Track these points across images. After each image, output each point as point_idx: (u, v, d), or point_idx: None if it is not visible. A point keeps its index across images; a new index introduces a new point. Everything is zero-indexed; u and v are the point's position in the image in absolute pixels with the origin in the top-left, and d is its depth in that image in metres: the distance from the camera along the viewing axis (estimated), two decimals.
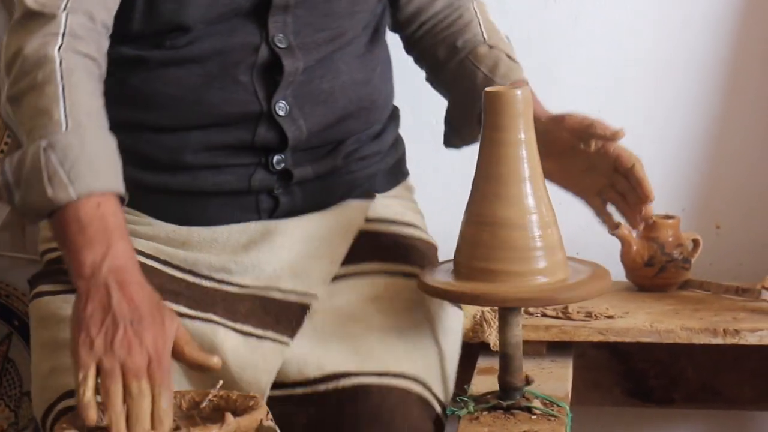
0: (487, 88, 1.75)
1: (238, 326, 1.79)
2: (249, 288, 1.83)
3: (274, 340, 1.78)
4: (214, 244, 1.84)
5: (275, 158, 1.84)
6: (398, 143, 2.03)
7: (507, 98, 1.73)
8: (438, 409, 1.82)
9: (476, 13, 2.02)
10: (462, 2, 2.02)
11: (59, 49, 1.63)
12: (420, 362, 1.81)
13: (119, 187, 1.61)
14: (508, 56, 1.97)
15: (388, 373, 1.76)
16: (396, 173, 2.02)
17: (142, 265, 1.78)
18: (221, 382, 1.54)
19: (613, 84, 2.50)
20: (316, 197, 1.89)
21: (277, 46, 1.81)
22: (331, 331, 1.80)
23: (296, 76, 1.82)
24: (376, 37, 1.95)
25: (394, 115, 2.02)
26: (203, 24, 1.77)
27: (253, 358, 1.76)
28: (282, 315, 1.81)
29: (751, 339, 2.14)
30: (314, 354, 1.78)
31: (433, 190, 2.47)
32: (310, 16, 1.83)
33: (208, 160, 1.81)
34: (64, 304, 1.79)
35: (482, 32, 1.99)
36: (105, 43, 1.71)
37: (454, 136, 2.04)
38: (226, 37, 1.79)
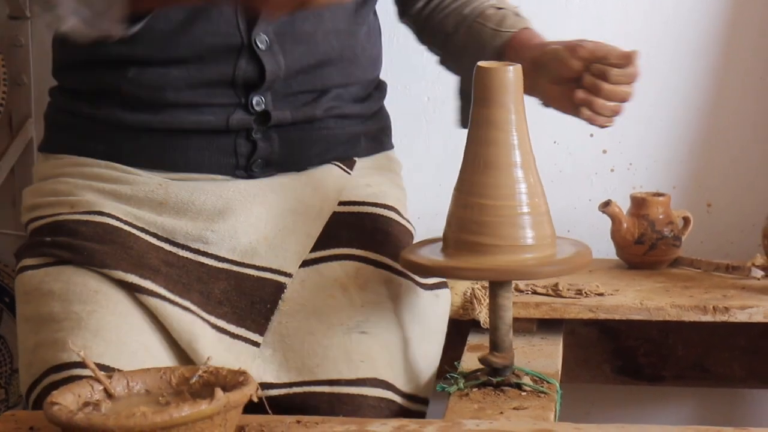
0: (479, 63, 1.74)
1: (212, 320, 1.80)
2: (225, 261, 1.83)
3: (245, 339, 1.80)
4: (191, 206, 1.84)
5: (254, 99, 1.85)
6: (382, 114, 2.03)
7: (498, 73, 1.73)
8: (399, 401, 1.81)
9: None
10: None
11: None
12: (380, 362, 1.80)
13: None
14: (516, 14, 1.97)
15: (340, 380, 1.78)
16: (379, 141, 2.02)
17: (121, 231, 1.79)
18: (210, 357, 1.55)
19: None
20: (294, 148, 1.90)
21: None
22: (294, 328, 1.81)
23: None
24: (365, 1, 1.95)
25: (381, 87, 2.03)
26: None
27: (229, 357, 1.78)
28: (256, 296, 1.82)
29: (741, 316, 2.14)
30: (274, 359, 1.80)
31: (425, 169, 2.47)
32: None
33: (189, 98, 1.83)
34: (46, 278, 1.80)
35: None
36: None
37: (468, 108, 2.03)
38: None
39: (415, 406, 1.84)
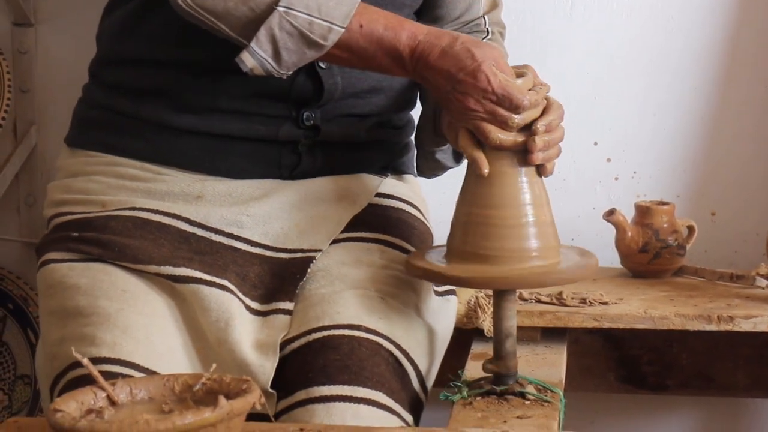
0: None
1: (247, 301, 1.80)
2: (257, 246, 1.84)
3: (277, 311, 1.79)
4: (227, 198, 1.86)
5: (305, 114, 1.86)
6: (411, 145, 2.06)
7: None
8: (411, 373, 1.80)
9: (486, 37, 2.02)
10: (477, 29, 2.03)
11: None
12: (397, 326, 1.80)
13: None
14: None
15: (360, 327, 1.76)
16: (406, 168, 2.05)
17: (152, 223, 1.79)
18: (214, 365, 1.54)
19: (608, 70, 2.50)
20: (334, 164, 1.92)
21: None
22: (315, 289, 1.82)
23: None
24: None
25: (411, 121, 2.06)
26: None
27: (261, 336, 1.77)
28: (288, 272, 1.82)
29: (745, 326, 2.14)
30: (296, 317, 1.79)
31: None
32: None
33: (241, 107, 1.83)
34: (70, 272, 1.79)
35: None
36: None
37: (420, 158, 2.04)
38: None
39: (419, 385, 1.83)
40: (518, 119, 1.71)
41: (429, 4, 2.01)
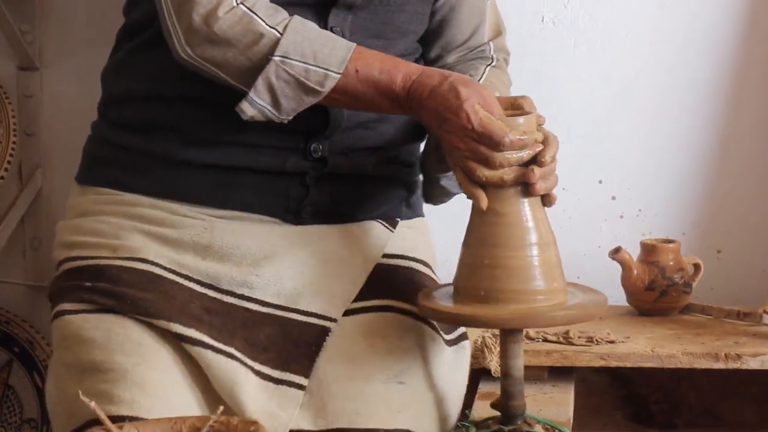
0: None
1: (257, 366, 1.79)
2: (270, 306, 1.84)
3: (290, 383, 1.79)
4: (235, 251, 1.85)
5: (312, 145, 1.86)
6: (418, 183, 2.05)
7: (509, 124, 1.73)
8: None
9: (483, 74, 2.01)
10: (477, 64, 2.03)
11: None
12: (417, 414, 1.80)
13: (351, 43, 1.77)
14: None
15: (378, 430, 1.77)
16: (415, 207, 2.04)
17: (164, 279, 1.79)
18: (222, 407, 1.54)
19: (612, 108, 2.50)
20: (343, 199, 1.91)
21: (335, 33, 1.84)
22: (332, 375, 1.81)
23: None
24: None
25: (418, 160, 2.05)
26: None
27: (270, 406, 1.77)
28: (301, 340, 1.81)
29: (753, 363, 2.13)
30: (312, 405, 1.79)
31: (434, 216, 2.47)
32: (370, 20, 1.88)
33: (247, 139, 1.83)
34: (85, 324, 1.79)
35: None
36: None
37: (426, 184, 2.04)
38: None
39: None
40: (500, 157, 1.71)
41: (435, 32, 2.02)
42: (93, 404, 1.43)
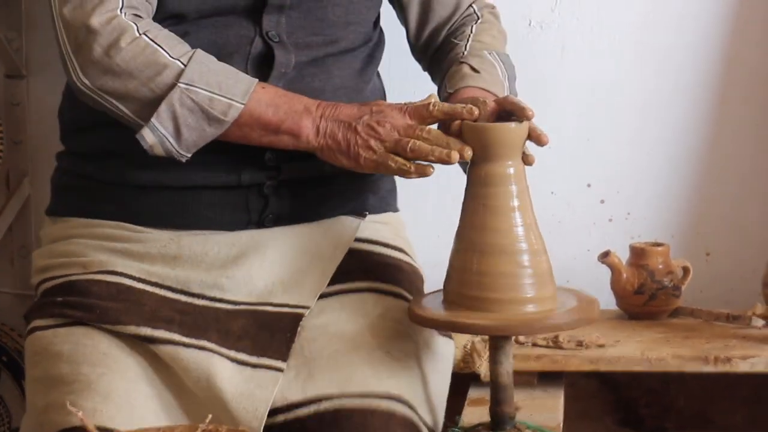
0: (474, 123, 1.75)
1: (232, 354, 1.79)
2: (241, 304, 1.83)
3: (268, 367, 1.78)
4: (204, 258, 1.85)
5: (267, 154, 1.86)
6: (387, 179, 2.05)
7: (497, 132, 1.73)
8: (424, 430, 1.81)
9: (469, 36, 2.02)
10: (463, 27, 2.04)
11: (125, 16, 1.75)
12: (405, 382, 1.80)
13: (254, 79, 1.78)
14: (471, 67, 1.96)
15: (370, 394, 1.76)
16: (386, 201, 2.03)
17: (134, 289, 1.79)
18: (210, 416, 1.53)
19: (600, 112, 2.50)
20: (304, 203, 1.91)
21: (271, 40, 1.86)
22: (317, 351, 1.81)
23: (288, 68, 1.86)
24: (370, 61, 1.99)
25: None
26: (198, 15, 1.83)
27: (249, 387, 1.77)
28: (276, 327, 1.82)
29: (743, 366, 2.13)
30: (299, 378, 1.79)
31: (422, 218, 2.47)
32: (304, 19, 1.89)
33: (200, 156, 1.82)
34: (54, 339, 1.80)
35: (463, 51, 2.00)
36: (150, 15, 1.82)
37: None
38: (221, 29, 1.85)
39: None
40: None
41: (420, 18, 2.04)
42: (80, 414, 1.42)
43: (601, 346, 2.19)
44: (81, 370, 1.75)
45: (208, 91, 1.74)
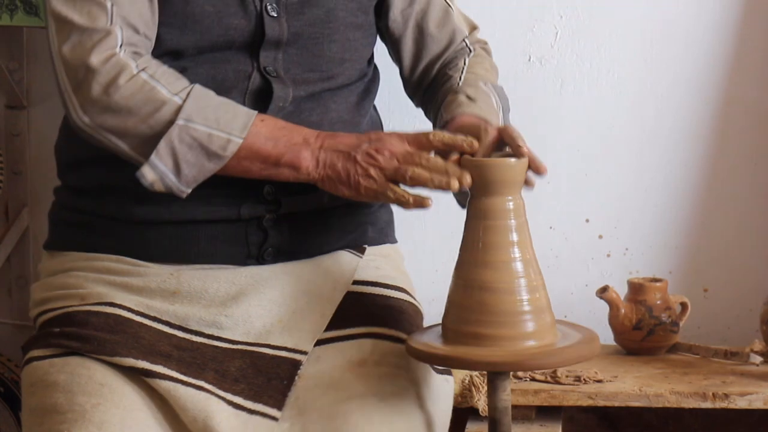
0: (474, 158, 1.75)
1: (229, 397, 1.79)
2: (239, 344, 1.83)
3: (263, 414, 1.79)
4: (204, 294, 1.85)
5: (265, 188, 1.86)
6: (387, 206, 2.05)
7: (496, 168, 1.74)
8: None
9: (463, 68, 2.03)
10: (456, 60, 2.05)
11: (124, 54, 1.76)
12: (399, 427, 1.79)
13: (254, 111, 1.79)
14: (467, 96, 1.96)
15: None
16: (385, 233, 2.04)
17: (132, 322, 1.79)
18: None
19: (600, 146, 2.50)
20: (304, 236, 1.91)
21: (269, 75, 1.86)
22: (311, 402, 1.81)
23: (286, 102, 1.87)
24: (366, 96, 2.00)
25: None
26: (195, 51, 1.84)
27: (246, 431, 1.77)
28: (273, 373, 1.81)
29: (741, 403, 2.13)
30: (293, 428, 1.79)
31: (421, 252, 2.47)
32: (301, 55, 1.90)
33: (201, 191, 1.83)
34: (51, 369, 1.80)
35: (458, 82, 2.01)
36: (150, 51, 1.82)
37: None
38: (219, 65, 1.85)
39: None
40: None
41: (418, 54, 2.04)
42: None
43: (599, 381, 2.19)
44: (76, 400, 1.74)
45: (206, 126, 1.75)
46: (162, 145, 1.74)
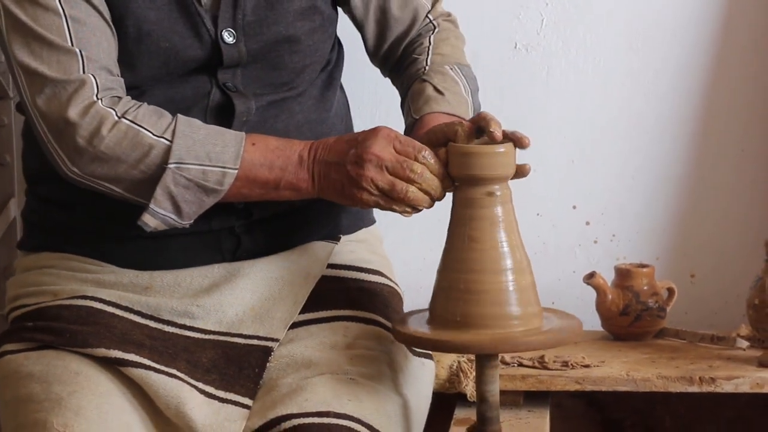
0: (460, 146, 1.75)
1: (201, 386, 1.80)
2: (211, 333, 1.83)
3: (235, 403, 1.80)
4: (176, 288, 1.86)
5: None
6: None
7: (483, 156, 1.74)
8: None
9: (428, 48, 2.01)
10: (421, 39, 2.03)
11: (102, 102, 1.72)
12: (368, 406, 1.79)
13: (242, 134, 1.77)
14: (435, 88, 1.94)
15: (330, 413, 1.75)
16: (360, 218, 2.03)
17: (104, 313, 1.79)
18: None
19: (586, 133, 2.51)
20: (278, 237, 1.91)
21: (229, 90, 1.85)
22: (282, 378, 1.81)
23: (249, 115, 1.86)
24: (330, 83, 1.98)
25: None
26: (152, 81, 1.82)
27: (218, 419, 1.78)
28: (245, 362, 1.82)
29: (727, 387, 2.14)
30: (263, 405, 1.79)
31: (408, 240, 2.47)
32: (260, 70, 1.87)
33: None
34: (25, 361, 1.80)
35: (424, 66, 1.99)
36: (125, 89, 1.79)
37: None
38: (176, 86, 1.83)
39: None
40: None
41: (382, 35, 2.02)
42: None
43: (586, 366, 2.19)
44: (52, 389, 1.75)
45: (199, 164, 1.73)
46: (158, 192, 1.73)
